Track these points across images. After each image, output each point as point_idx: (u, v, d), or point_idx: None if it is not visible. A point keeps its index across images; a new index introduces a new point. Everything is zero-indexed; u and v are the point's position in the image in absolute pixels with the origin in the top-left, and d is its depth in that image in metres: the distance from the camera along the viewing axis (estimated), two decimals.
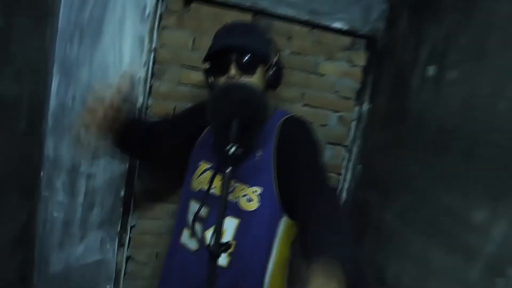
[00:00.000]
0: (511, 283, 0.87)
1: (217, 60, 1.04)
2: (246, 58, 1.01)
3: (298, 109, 1.59)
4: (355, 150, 1.64)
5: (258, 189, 1.00)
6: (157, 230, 1.56)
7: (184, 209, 1.11)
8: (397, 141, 1.39)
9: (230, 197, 1.01)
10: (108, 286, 1.49)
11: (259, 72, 1.04)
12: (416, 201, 1.24)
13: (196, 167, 1.12)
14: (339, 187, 1.69)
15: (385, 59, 1.53)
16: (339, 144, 1.66)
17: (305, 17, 1.48)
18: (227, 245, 0.84)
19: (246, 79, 1.01)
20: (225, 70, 1.02)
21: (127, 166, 1.43)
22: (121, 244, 1.50)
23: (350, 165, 1.66)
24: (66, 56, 1.33)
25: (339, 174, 1.69)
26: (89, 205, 1.43)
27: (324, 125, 1.63)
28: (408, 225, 1.28)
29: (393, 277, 1.30)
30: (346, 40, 1.58)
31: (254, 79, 1.03)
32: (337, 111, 1.63)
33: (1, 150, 1.04)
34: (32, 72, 1.18)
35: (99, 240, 1.46)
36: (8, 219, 1.17)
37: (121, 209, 1.46)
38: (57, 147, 1.35)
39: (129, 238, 1.53)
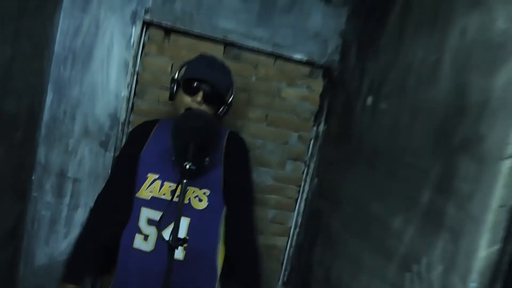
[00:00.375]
0: (415, 277, 1.09)
1: (191, 83, 1.27)
2: (213, 93, 1.27)
3: (263, 129, 1.82)
4: (312, 165, 1.87)
5: (207, 191, 1.23)
6: None
7: (135, 216, 1.21)
8: (344, 159, 1.62)
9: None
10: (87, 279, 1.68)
11: (216, 106, 1.31)
12: (356, 210, 1.46)
13: (144, 179, 1.24)
14: (299, 197, 1.91)
15: (338, 87, 1.77)
16: (298, 160, 1.89)
17: (269, 49, 1.72)
18: (184, 240, 1.06)
19: (206, 108, 1.26)
20: (193, 94, 1.25)
21: (109, 171, 1.64)
22: None
23: (308, 178, 1.89)
24: (60, 76, 1.55)
25: (299, 186, 1.91)
26: (74, 206, 1.62)
27: (286, 143, 1.86)
28: (349, 231, 1.49)
29: (337, 276, 1.51)
30: (305, 69, 1.82)
31: (211, 109, 1.29)
32: (297, 131, 1.86)
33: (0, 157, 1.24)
34: (30, 91, 1.40)
35: None
36: (2, 215, 1.37)
37: None
38: (48, 154, 1.56)
39: None
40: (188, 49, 1.68)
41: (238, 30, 1.68)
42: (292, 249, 1.94)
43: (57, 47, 1.53)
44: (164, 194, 1.21)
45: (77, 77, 1.57)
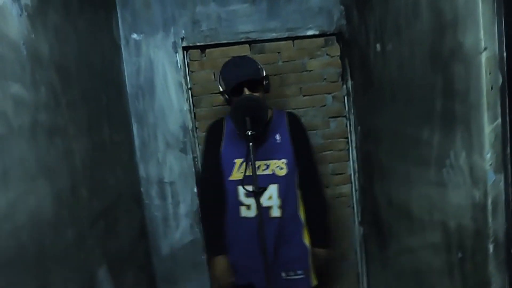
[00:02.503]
0: (449, 169, 1.35)
1: (234, 89, 1.56)
2: (254, 84, 1.57)
3: (301, 100, 2.15)
4: (351, 117, 2.16)
5: (285, 160, 1.61)
6: None
7: (234, 194, 1.59)
8: (373, 101, 1.90)
9: (268, 171, 1.59)
10: (202, 257, 2.13)
11: (260, 87, 1.62)
12: (393, 138, 1.73)
13: (232, 164, 1.60)
14: (349, 147, 2.22)
15: (351, 46, 2.05)
16: (339, 116, 2.20)
17: (285, 35, 2.06)
18: (263, 188, 1.45)
19: (256, 94, 1.58)
20: (240, 92, 1.58)
21: (193, 170, 2.07)
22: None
23: (352, 129, 2.18)
24: (136, 109, 2.01)
25: (346, 137, 2.21)
26: (176, 203, 2.08)
27: (324, 106, 2.17)
28: (394, 157, 1.76)
29: (396, 197, 1.79)
30: (320, 40, 2.13)
31: (260, 93, 1.61)
32: (330, 93, 2.17)
33: (119, 176, 1.71)
34: (122, 124, 1.87)
35: (189, 226, 2.10)
36: (132, 220, 1.85)
37: (197, 201, 2.10)
38: (146, 168, 2.04)
39: None
40: (221, 56, 2.07)
41: (255, 29, 2.03)
42: (357, 192, 2.24)
43: (128, 87, 1.99)
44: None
45: (149, 106, 2.02)
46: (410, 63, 1.50)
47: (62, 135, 1.21)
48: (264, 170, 1.59)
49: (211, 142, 1.71)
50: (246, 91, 1.57)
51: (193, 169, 2.07)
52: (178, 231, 2.10)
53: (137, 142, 2.02)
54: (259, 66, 1.66)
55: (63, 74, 1.26)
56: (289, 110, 1.80)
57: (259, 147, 1.56)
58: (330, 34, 2.11)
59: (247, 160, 1.48)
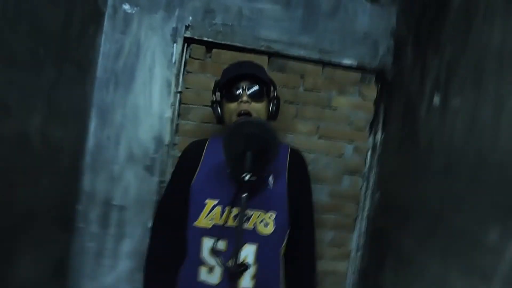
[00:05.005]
0: None
1: (229, 88, 1.18)
2: (255, 86, 1.17)
3: (315, 142, 1.68)
4: (372, 178, 1.69)
5: (273, 213, 1.11)
6: None
7: (195, 247, 1.11)
8: (411, 167, 1.44)
9: (247, 225, 1.10)
10: None
11: (264, 101, 1.20)
12: (432, 224, 1.27)
13: (202, 206, 1.12)
14: (359, 215, 1.73)
15: (394, 91, 1.61)
16: (356, 173, 1.72)
17: (316, 56, 1.62)
18: (244, 265, 0.94)
19: (255, 105, 1.15)
20: (237, 97, 1.15)
21: (154, 198, 1.54)
22: None
23: (368, 193, 1.71)
24: (103, 100, 1.50)
25: (358, 203, 1.73)
26: (120, 236, 1.53)
27: (340, 156, 1.70)
28: (425, 249, 1.29)
29: None
30: (356, 75, 1.69)
31: (261, 106, 1.18)
32: (351, 142, 1.71)
33: (44, 185, 1.17)
34: (75, 116, 1.34)
35: (129, 270, 1.54)
36: (48, 250, 1.29)
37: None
38: (93, 182, 1.49)
39: None
40: (230, 63, 1.60)
41: (281, 39, 1.59)
42: (355, 274, 1.74)
43: (99, 71, 1.49)
44: (226, 221, 1.09)
45: (120, 100, 1.51)
46: (491, 129, 1.06)
47: None
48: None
49: (182, 168, 1.24)
50: (244, 98, 1.15)
51: (154, 197, 1.54)
52: (112, 274, 1.53)
53: (90, 143, 1.49)
54: (267, 74, 1.28)
55: None
56: (294, 147, 1.31)
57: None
58: (370, 71, 1.68)
59: (232, 205, 1.00)
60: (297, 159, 1.26)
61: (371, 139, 1.71)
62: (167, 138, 1.56)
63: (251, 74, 1.17)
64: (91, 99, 1.48)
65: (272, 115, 1.24)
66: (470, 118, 1.16)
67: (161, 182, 1.56)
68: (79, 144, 1.43)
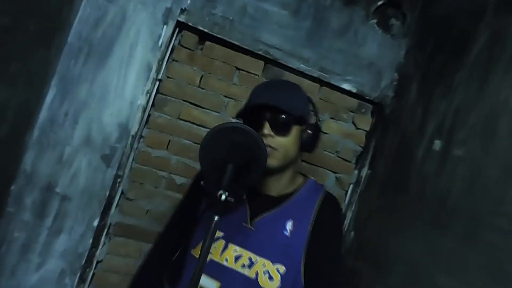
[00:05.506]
0: None
1: (251, 117, 0.98)
2: (280, 118, 0.95)
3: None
4: (349, 214, 1.56)
5: (282, 268, 0.91)
6: (126, 270, 1.42)
7: (190, 275, 0.92)
8: (395, 211, 1.32)
9: (248, 271, 0.91)
10: None
11: (294, 132, 0.97)
12: (412, 280, 1.15)
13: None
14: None
15: (390, 126, 1.50)
16: None
17: (315, 73, 1.48)
18: None
19: (280, 141, 0.95)
20: (258, 129, 0.94)
21: (107, 193, 1.33)
22: (82, 280, 1.35)
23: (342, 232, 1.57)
24: (69, 71, 1.28)
25: None
26: (56, 230, 1.30)
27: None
28: None
29: None
30: (353, 102, 1.57)
31: (289, 140, 0.97)
32: (335, 172, 1.58)
33: None
34: (28, 79, 1.13)
35: (59, 272, 1.31)
36: None
37: (91, 241, 1.33)
38: (36, 161, 1.26)
39: (93, 274, 1.39)
40: (222, 59, 1.44)
41: (282, 47, 1.45)
42: None
43: (72, 36, 1.27)
44: (226, 260, 0.93)
45: (89, 75, 1.30)
46: (497, 189, 0.96)
47: None
48: (243, 266, 0.92)
49: (193, 195, 1.09)
50: (266, 131, 0.94)
51: (107, 192, 1.33)
52: (37, 274, 1.29)
53: (43, 115, 1.26)
54: (305, 98, 1.05)
55: None
56: (330, 192, 1.07)
57: (253, 224, 0.96)
58: (368, 101, 1.57)
59: (210, 239, 0.76)
60: (331, 207, 1.02)
61: (355, 173, 1.59)
62: (134, 128, 1.37)
63: (276, 106, 0.94)
64: (54, 65, 1.26)
65: (305, 148, 1.03)
66: (473, 172, 1.05)
67: (117, 176, 1.35)
68: (27, 114, 1.20)
